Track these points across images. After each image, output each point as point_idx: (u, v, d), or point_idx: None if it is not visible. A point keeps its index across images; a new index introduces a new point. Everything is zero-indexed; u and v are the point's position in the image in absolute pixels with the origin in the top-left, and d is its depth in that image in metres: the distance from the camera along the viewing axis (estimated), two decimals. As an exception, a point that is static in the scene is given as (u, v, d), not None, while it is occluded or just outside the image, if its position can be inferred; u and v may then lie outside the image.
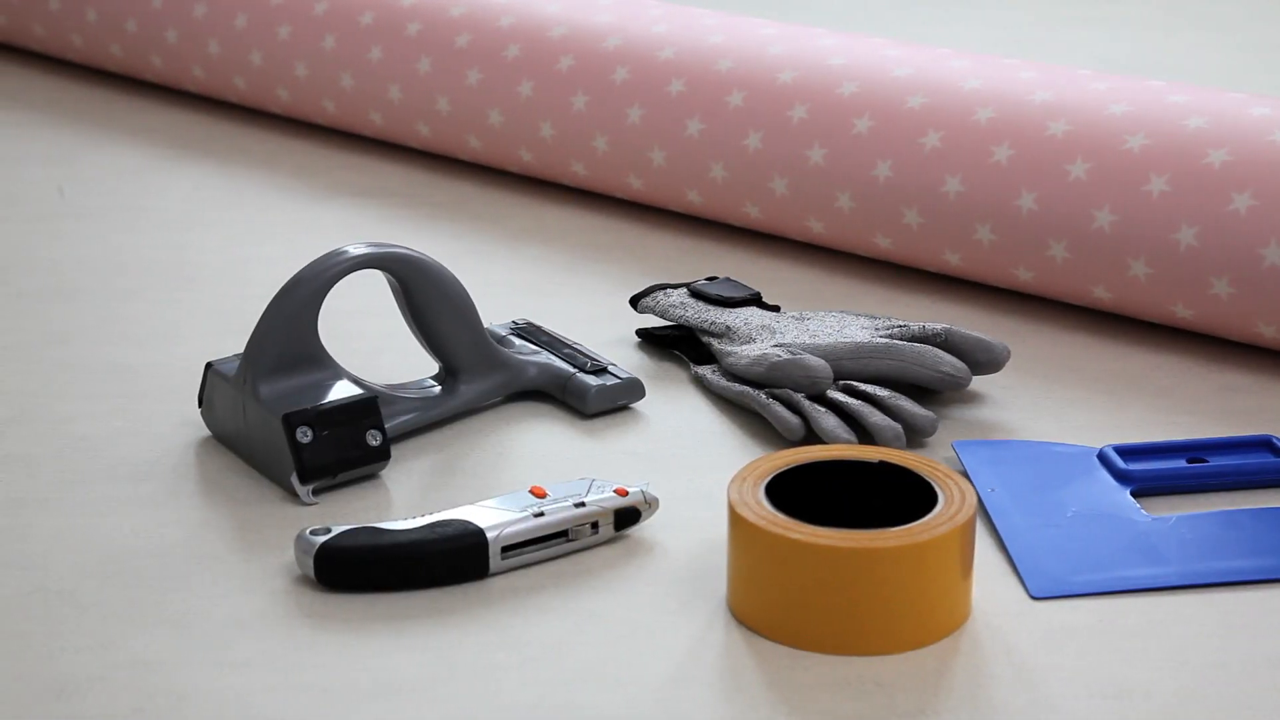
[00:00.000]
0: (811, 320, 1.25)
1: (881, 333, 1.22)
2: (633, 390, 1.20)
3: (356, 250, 1.13)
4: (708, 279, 1.31)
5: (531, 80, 1.51)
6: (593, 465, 1.14)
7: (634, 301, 1.30)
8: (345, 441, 1.09)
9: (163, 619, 0.98)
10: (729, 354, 1.22)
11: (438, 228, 1.49)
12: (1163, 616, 0.99)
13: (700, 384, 1.24)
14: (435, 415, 1.17)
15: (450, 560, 1.00)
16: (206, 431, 1.17)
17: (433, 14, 1.58)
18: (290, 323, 1.11)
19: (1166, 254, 1.26)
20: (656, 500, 1.06)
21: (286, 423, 1.08)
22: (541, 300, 1.36)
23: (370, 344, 1.29)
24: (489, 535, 1.01)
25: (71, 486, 1.11)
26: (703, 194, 1.45)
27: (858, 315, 1.26)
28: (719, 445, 1.16)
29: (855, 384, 1.17)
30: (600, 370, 1.20)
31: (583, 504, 1.04)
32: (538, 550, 1.03)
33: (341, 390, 1.11)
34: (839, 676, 0.94)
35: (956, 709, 0.91)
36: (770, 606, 0.96)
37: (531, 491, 1.04)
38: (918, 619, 0.95)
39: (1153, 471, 1.11)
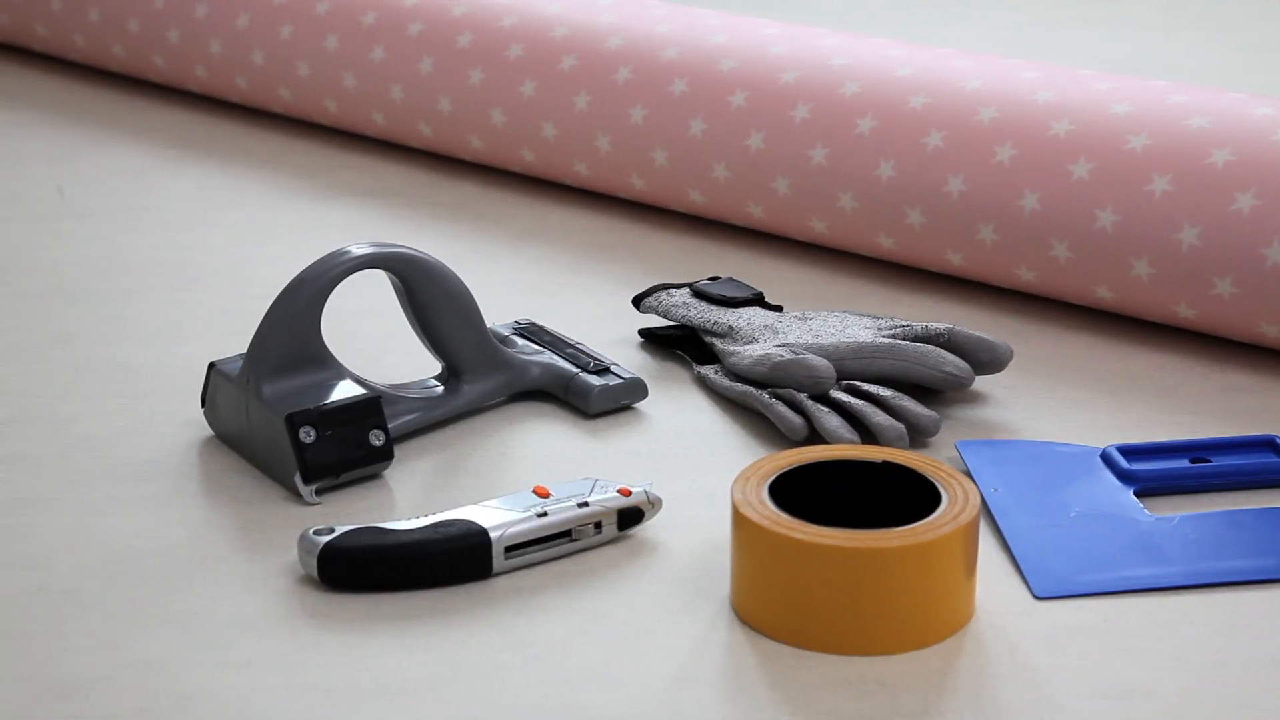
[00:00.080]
0: (814, 320, 1.25)
1: (884, 333, 1.22)
2: (635, 390, 1.20)
3: (359, 250, 1.13)
4: (710, 279, 1.31)
5: (534, 80, 1.51)
6: (596, 465, 1.14)
7: (636, 301, 1.30)
8: (348, 441, 1.09)
9: (166, 619, 0.98)
10: (731, 354, 1.22)
11: (440, 228, 1.49)
12: (1166, 616, 0.99)
13: (703, 384, 1.24)
14: (438, 415, 1.17)
15: (453, 560, 1.00)
16: (209, 431, 1.17)
17: (435, 14, 1.58)
18: (293, 322, 1.11)
19: (1169, 254, 1.25)
20: (660, 500, 1.06)
21: (290, 423, 1.08)
22: (544, 300, 1.36)
23: (373, 344, 1.29)
24: (492, 535, 1.01)
25: (74, 486, 1.11)
26: (705, 194, 1.45)
27: (860, 315, 1.26)
28: (722, 445, 1.16)
29: (858, 384, 1.17)
30: (603, 370, 1.20)
31: (586, 504, 1.04)
32: (541, 550, 1.03)
33: (344, 390, 1.11)
34: (842, 676, 0.94)
35: (960, 709, 0.91)
36: (773, 606, 0.96)
37: (535, 491, 1.04)
38: (921, 619, 0.95)
39: (1156, 471, 1.11)
